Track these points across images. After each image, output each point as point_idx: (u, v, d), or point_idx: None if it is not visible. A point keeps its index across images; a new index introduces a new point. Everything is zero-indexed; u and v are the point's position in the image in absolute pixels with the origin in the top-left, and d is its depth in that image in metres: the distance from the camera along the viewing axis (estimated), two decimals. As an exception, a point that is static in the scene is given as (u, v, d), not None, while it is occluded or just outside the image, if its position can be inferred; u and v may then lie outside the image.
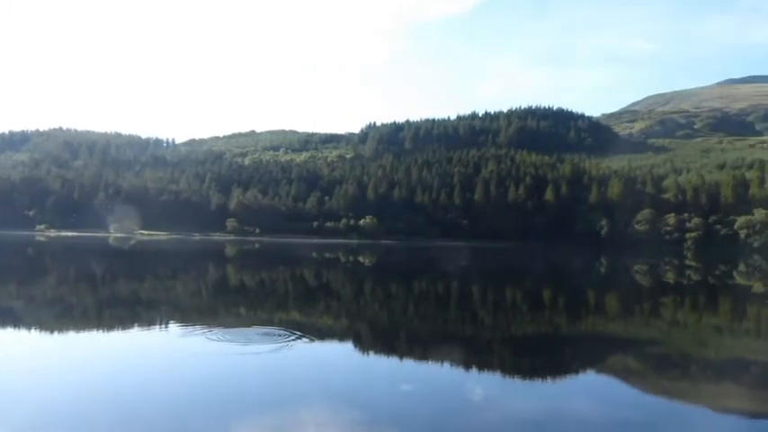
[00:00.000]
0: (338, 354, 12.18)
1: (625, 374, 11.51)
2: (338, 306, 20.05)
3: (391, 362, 11.91)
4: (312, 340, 12.55)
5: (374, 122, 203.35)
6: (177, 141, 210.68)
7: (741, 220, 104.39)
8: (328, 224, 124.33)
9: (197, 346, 11.56)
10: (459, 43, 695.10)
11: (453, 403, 9.17)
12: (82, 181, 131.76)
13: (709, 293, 28.50)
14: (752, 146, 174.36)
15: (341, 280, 32.15)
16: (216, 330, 13.07)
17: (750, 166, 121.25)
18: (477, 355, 12.67)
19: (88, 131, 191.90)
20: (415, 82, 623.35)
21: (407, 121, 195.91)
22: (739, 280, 37.92)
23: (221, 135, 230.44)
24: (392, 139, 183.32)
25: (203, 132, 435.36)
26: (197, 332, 12.89)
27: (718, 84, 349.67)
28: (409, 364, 11.64)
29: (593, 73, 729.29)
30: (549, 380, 10.99)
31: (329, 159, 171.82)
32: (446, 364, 11.68)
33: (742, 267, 51.92)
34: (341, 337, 14.11)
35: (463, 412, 8.72)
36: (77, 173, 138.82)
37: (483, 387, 10.22)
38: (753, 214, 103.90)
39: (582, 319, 18.40)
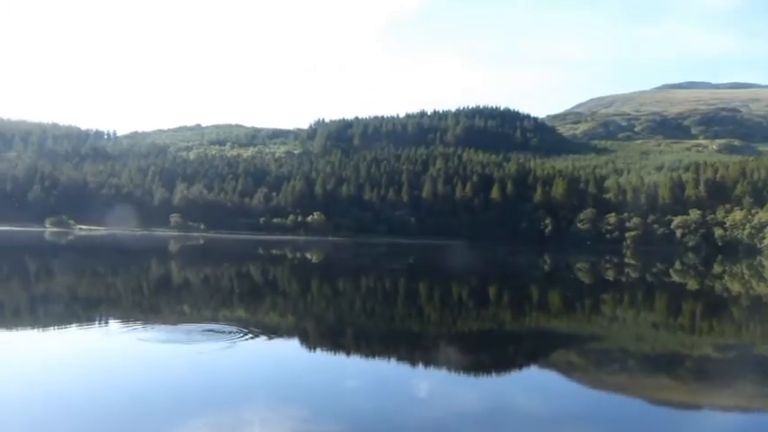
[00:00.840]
0: (284, 351, 12.04)
1: (567, 369, 11.78)
2: (285, 303, 19.84)
3: (338, 358, 11.85)
4: (258, 337, 12.36)
5: (323, 119, 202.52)
6: (119, 134, 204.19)
7: (677, 219, 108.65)
8: (275, 220, 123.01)
9: (137, 345, 11.21)
10: (405, 43, 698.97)
11: (399, 399, 9.18)
12: (15, 173, 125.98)
13: (647, 291, 29.52)
14: (688, 149, 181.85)
15: (288, 277, 31.85)
16: (158, 328, 12.72)
17: (686, 169, 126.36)
18: (423, 351, 12.74)
19: (22, 121, 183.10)
20: (364, 79, 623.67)
21: (356, 118, 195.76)
22: (675, 278, 39.43)
23: (165, 128, 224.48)
24: (341, 135, 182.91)
25: (146, 125, 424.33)
26: (138, 330, 12.50)
27: (657, 88, 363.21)
28: (356, 361, 11.60)
29: (540, 75, 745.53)
30: (493, 375, 11.15)
31: (277, 155, 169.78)
32: (392, 361, 11.70)
33: (678, 266, 54.04)
34: (287, 334, 13.95)
35: (409, 408, 8.74)
36: (10, 164, 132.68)
37: (429, 383, 10.27)
38: (688, 214, 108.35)
39: (526, 316, 18.77)
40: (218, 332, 12.35)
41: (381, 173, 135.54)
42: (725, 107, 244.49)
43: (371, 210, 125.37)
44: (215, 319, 14.57)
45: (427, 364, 11.55)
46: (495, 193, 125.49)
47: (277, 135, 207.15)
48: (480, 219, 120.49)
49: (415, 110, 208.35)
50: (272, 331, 13.69)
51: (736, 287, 32.58)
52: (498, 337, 14.87)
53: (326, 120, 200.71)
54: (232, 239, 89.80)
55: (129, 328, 12.81)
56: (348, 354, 12.31)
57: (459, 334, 15.28)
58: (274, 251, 60.12)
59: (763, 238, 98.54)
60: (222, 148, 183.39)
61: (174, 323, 13.73)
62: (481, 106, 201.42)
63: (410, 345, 13.44)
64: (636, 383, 10.98)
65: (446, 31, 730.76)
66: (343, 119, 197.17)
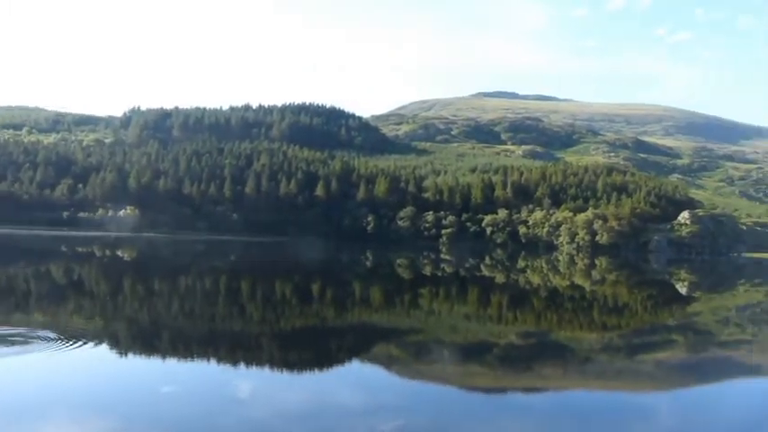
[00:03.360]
0: (90, 357, 10.95)
1: (387, 362, 12.13)
2: (92, 305, 18.15)
3: (152, 363, 11.08)
4: (59, 343, 11.12)
5: (138, 106, 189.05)
6: None
7: (488, 218, 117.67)
8: (82, 215, 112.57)
9: None
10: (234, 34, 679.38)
11: (218, 402, 8.81)
12: None
13: (461, 285, 31.56)
14: (498, 153, 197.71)
15: (95, 276, 29.26)
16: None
17: (496, 171, 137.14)
18: (244, 351, 12.38)
19: None
20: (185, 68, 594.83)
21: (176, 108, 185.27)
22: (485, 272, 42.62)
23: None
24: (159, 125, 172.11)
25: None
26: None
27: (473, 95, 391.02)
28: (172, 365, 10.93)
29: (366, 76, 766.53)
30: (316, 371, 11.13)
31: (84, 143, 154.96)
32: (212, 362, 11.23)
33: (487, 261, 58.53)
34: (94, 338, 12.66)
35: (230, 410, 8.41)
36: None
37: (250, 383, 9.99)
38: (497, 213, 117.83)
39: (348, 311, 19.07)
40: (10, 338, 10.92)
41: (203, 166, 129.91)
42: (530, 116, 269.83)
43: (191, 205, 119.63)
44: (7, 324, 12.87)
45: (249, 363, 11.23)
46: (319, 190, 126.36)
47: (85, 121, 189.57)
48: (304, 215, 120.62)
49: (239, 103, 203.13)
50: (77, 336, 12.36)
51: (536, 280, 36.01)
52: (321, 334, 14.92)
53: (143, 108, 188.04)
54: (30, 235, 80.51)
55: None
56: (164, 357, 11.56)
57: (282, 332, 15.09)
58: (80, 248, 55.07)
59: (559, 235, 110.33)
60: (18, 132, 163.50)
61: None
62: (307, 103, 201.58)
63: (231, 345, 12.99)
64: (450, 372, 11.62)
65: (276, 26, 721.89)
66: (162, 108, 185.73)
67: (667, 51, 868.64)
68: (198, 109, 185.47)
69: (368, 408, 9.10)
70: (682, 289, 34.85)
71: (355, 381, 10.66)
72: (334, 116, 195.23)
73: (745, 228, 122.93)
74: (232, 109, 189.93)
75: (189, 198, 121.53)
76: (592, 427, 8.48)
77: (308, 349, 13.03)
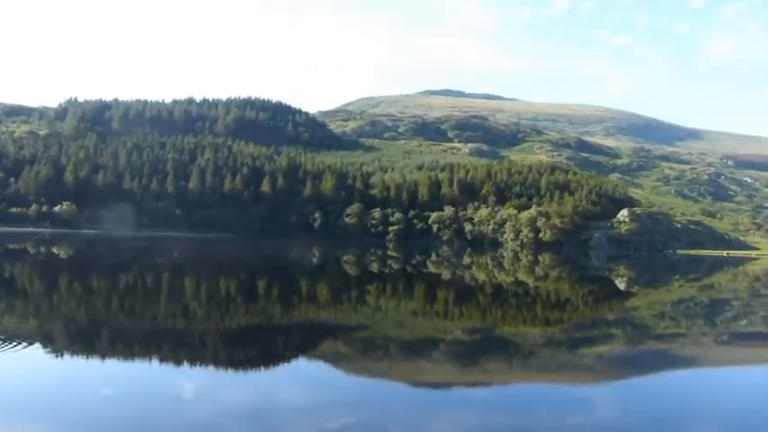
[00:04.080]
0: (24, 360, 10.48)
1: (335, 359, 12.08)
2: (25, 305, 17.39)
3: (91, 364, 10.69)
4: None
5: (75, 98, 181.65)
6: None
7: (434, 215, 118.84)
8: (14, 210, 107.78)
9: None
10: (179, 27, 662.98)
11: (160, 403, 8.58)
12: None
13: (407, 281, 31.72)
14: (444, 151, 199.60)
15: (29, 274, 28.07)
16: None
17: (442, 169, 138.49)
18: (188, 350, 12.10)
19: None
20: (125, 59, 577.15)
21: (116, 100, 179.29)
22: (431, 268, 42.99)
23: None
24: (97, 117, 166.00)
25: None
26: None
27: (420, 93, 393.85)
28: (112, 366, 10.56)
29: (314, 71, 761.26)
30: (262, 369, 10.99)
31: (16, 135, 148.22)
32: (154, 362, 10.92)
33: (434, 257, 59.06)
34: (28, 339, 12.11)
35: (172, 411, 8.21)
36: None
37: (194, 382, 9.78)
38: (443, 210, 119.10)
39: (295, 308, 18.89)
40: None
41: (144, 161, 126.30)
42: (476, 115, 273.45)
43: (132, 201, 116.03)
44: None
45: (192, 363, 10.97)
46: (265, 186, 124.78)
47: (17, 112, 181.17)
48: (250, 212, 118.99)
49: (182, 96, 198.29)
50: (10, 338, 11.80)
51: (481, 276, 36.57)
52: (267, 331, 14.74)
53: (80, 99, 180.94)
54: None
55: None
56: (104, 358, 11.16)
57: (227, 330, 14.82)
58: (12, 245, 52.75)
59: (504, 232, 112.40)
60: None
61: None
62: (253, 97, 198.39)
63: (174, 344, 12.68)
64: (397, 368, 11.67)
65: (221, 19, 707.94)
66: (101, 99, 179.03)
67: (609, 54, 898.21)
68: (139, 101, 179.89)
69: (315, 405, 9.04)
70: (620, 284, 36.04)
71: (302, 378, 10.57)
72: (281, 111, 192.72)
73: (679, 225, 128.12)
74: (175, 102, 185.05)
75: (129, 193, 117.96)
76: (535, 418, 8.66)
77: (254, 347, 12.84)
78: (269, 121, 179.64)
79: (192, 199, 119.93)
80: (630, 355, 13.71)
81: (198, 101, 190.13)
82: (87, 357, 11.24)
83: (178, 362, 10.99)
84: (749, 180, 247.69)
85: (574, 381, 11.11)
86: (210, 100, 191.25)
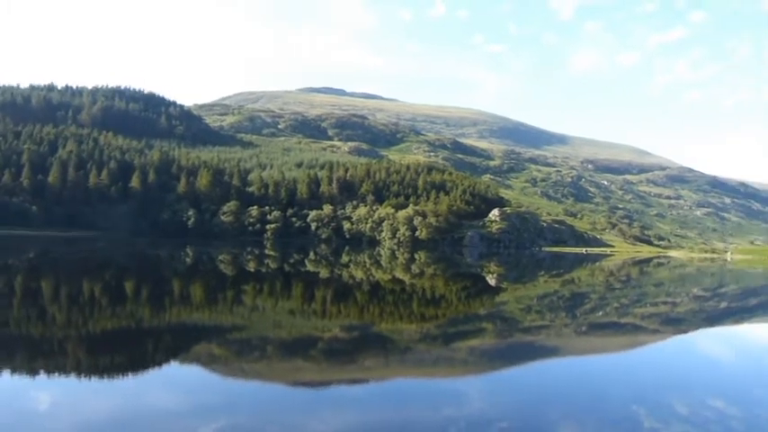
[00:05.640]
0: None
1: (209, 361, 11.66)
2: None
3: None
4: None
5: None
6: None
7: (313, 213, 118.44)
8: None
9: None
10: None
11: (14, 418, 7.84)
12: None
13: (285, 280, 31.32)
14: (324, 149, 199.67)
15: None
16: None
17: (322, 167, 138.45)
18: (45, 359, 11.17)
19: None
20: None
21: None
22: (309, 267, 42.75)
23: None
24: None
25: None
26: None
27: (300, 90, 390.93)
28: (-48, 378, 9.51)
29: (192, 63, 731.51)
30: (129, 376, 10.36)
31: None
32: (5, 374, 9.96)
33: (312, 256, 58.81)
34: None
35: (27, 425, 7.53)
36: None
37: (51, 393, 9.05)
38: (322, 209, 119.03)
39: (166, 310, 18.03)
40: None
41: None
42: (356, 114, 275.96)
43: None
44: None
45: (50, 372, 10.14)
46: (135, 181, 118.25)
47: None
48: (118, 209, 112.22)
49: (42, 81, 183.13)
50: None
51: (359, 274, 36.87)
52: (135, 335, 13.94)
53: None
54: None
55: None
56: (-59, 370, 10.03)
57: (90, 335, 13.84)
58: None
59: (382, 231, 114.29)
60: None
61: None
62: (123, 87, 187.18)
63: (29, 352, 11.66)
64: (275, 368, 11.48)
65: (90, 3, 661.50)
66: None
67: (483, 59, 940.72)
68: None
69: (187, 410, 8.68)
70: (491, 281, 37.80)
71: (173, 383, 10.10)
72: (153, 103, 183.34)
73: (545, 224, 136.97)
74: (33, 87, 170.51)
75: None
76: (410, 412, 8.84)
77: (121, 352, 12.10)
78: (140, 113, 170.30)
79: (52, 194, 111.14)
80: (500, 347, 14.40)
81: (60, 87, 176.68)
82: None
83: (33, 372, 10.11)
84: (606, 183, 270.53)
85: (448, 374, 11.48)
86: (75, 87, 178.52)
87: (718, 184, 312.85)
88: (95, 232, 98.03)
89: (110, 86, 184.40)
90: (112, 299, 20.17)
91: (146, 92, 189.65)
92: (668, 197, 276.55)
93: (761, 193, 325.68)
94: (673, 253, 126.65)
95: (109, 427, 7.72)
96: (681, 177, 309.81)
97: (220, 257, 49.16)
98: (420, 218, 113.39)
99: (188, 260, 45.85)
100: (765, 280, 49.21)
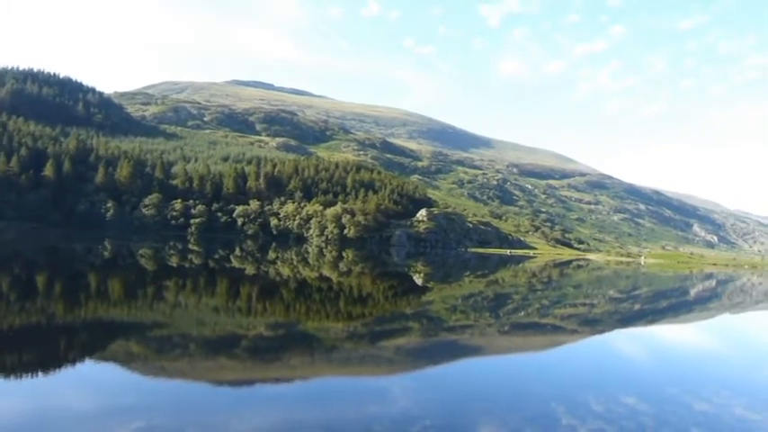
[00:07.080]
0: None
1: (126, 360, 11.21)
2: None
3: None
4: None
5: None
6: None
7: (239, 209, 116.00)
8: None
9: None
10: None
11: None
12: None
13: (209, 276, 30.56)
14: (252, 143, 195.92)
15: None
16: None
17: (249, 162, 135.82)
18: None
19: None
20: None
21: None
22: (235, 263, 41.89)
23: None
24: None
25: None
26: None
27: (227, 82, 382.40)
28: None
29: (114, 49, 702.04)
30: (40, 375, 9.81)
31: None
32: None
33: (237, 252, 57.65)
34: None
35: None
36: None
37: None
38: (249, 204, 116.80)
39: (81, 306, 17.20)
40: None
41: None
42: (285, 109, 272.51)
43: None
44: None
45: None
46: (48, 170, 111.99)
47: None
48: (28, 198, 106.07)
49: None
50: None
51: (286, 272, 36.44)
52: (47, 332, 13.21)
53: None
54: None
55: None
56: None
57: (-3, 331, 13.01)
58: None
59: (309, 228, 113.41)
60: None
61: None
62: (35, 69, 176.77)
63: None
64: (197, 367, 11.15)
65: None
66: None
67: (413, 61, 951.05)
68: None
69: (103, 411, 8.29)
70: (418, 280, 38.22)
71: (88, 382, 9.64)
72: (70, 88, 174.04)
73: (471, 225, 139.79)
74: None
75: None
76: (336, 410, 8.80)
77: (31, 350, 11.44)
78: (54, 98, 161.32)
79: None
80: (425, 346, 14.56)
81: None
82: None
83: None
84: (530, 187, 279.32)
85: (373, 372, 11.51)
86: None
87: (634, 192, 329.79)
88: (2, 223, 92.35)
89: (20, 68, 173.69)
90: (21, 293, 19.07)
91: (61, 76, 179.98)
92: (588, 202, 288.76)
93: (672, 201, 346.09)
94: (591, 256, 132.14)
95: (18, 430, 7.28)
96: (600, 184, 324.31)
97: (141, 252, 47.42)
98: (348, 216, 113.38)
99: (106, 254, 43.96)
100: (675, 283, 52.18)
